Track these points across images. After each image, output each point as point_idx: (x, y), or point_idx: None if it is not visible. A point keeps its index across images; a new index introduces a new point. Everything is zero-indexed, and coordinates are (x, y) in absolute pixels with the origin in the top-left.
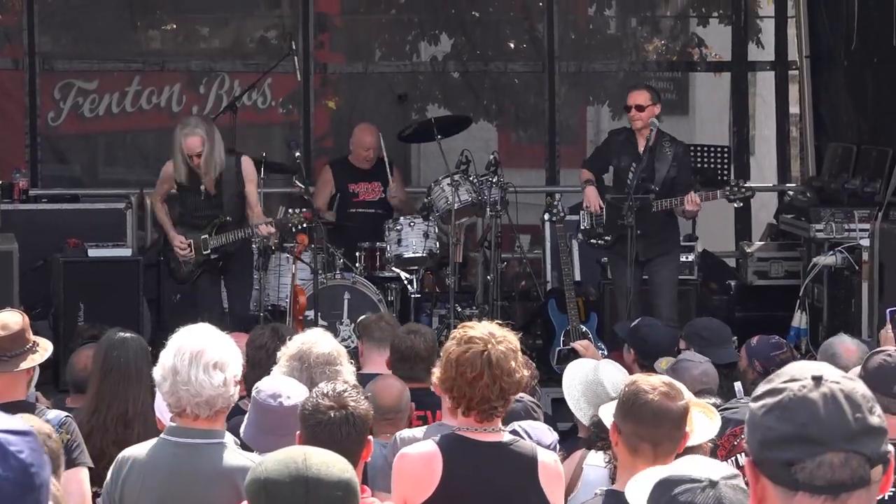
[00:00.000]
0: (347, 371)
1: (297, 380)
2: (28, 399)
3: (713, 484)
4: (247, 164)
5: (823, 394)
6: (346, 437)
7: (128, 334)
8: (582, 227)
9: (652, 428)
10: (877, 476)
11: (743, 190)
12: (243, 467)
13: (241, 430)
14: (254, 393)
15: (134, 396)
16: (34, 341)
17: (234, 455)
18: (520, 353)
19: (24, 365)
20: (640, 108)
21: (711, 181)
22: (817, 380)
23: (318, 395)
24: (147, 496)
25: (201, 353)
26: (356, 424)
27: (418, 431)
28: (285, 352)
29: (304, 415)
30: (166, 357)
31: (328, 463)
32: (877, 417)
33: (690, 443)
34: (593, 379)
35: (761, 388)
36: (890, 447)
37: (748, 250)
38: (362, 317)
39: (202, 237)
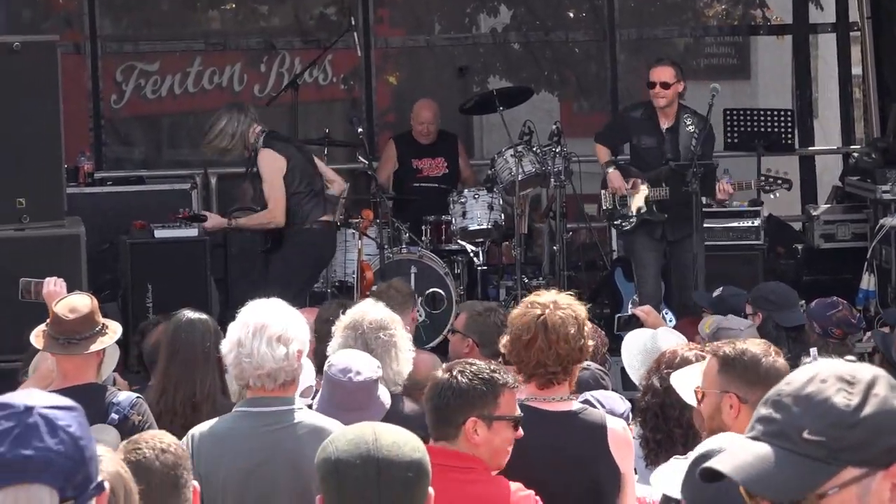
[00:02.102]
0: (402, 336)
1: (353, 348)
2: (103, 382)
3: None
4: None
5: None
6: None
7: (196, 315)
8: (604, 208)
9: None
10: None
11: (779, 181)
12: (323, 428)
13: (314, 404)
14: (325, 368)
15: (202, 378)
16: (103, 324)
17: (313, 416)
18: (586, 323)
19: (94, 347)
20: (666, 86)
21: (776, 145)
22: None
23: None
24: (230, 467)
25: (265, 327)
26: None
27: None
28: (339, 324)
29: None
30: (233, 330)
31: (399, 443)
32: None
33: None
34: (652, 347)
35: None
36: None
37: (814, 213)
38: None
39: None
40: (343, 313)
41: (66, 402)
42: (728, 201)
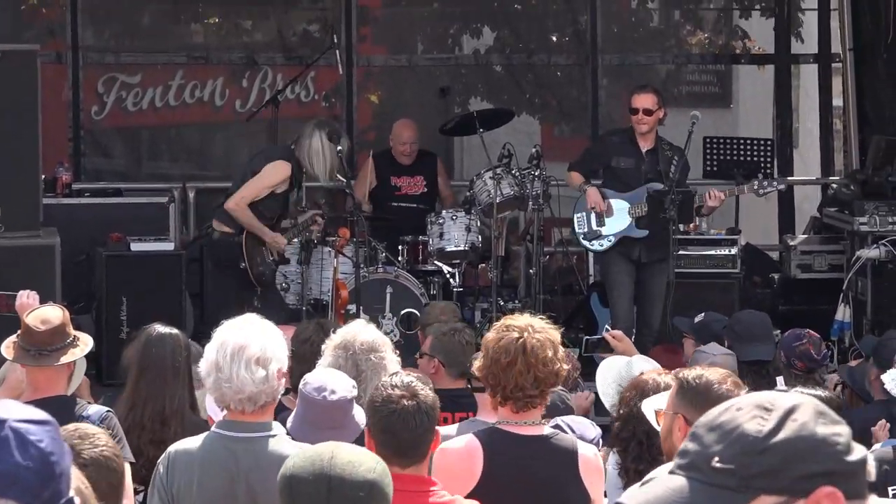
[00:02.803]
0: (391, 360)
1: (342, 368)
2: (71, 394)
3: None
4: None
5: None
6: (419, 425)
7: (167, 330)
8: (578, 231)
9: None
10: None
11: (774, 183)
12: None
13: (288, 423)
14: (300, 386)
15: (171, 394)
16: (75, 336)
17: (284, 445)
18: (560, 347)
19: (65, 359)
20: (648, 112)
21: (755, 174)
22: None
23: (388, 387)
24: (201, 490)
25: (243, 349)
26: (428, 413)
27: (451, 428)
28: (329, 343)
29: (374, 406)
30: (210, 351)
31: (355, 462)
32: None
33: None
34: (627, 375)
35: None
36: None
37: (791, 243)
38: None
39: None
40: (323, 333)
41: (41, 415)
42: (715, 210)
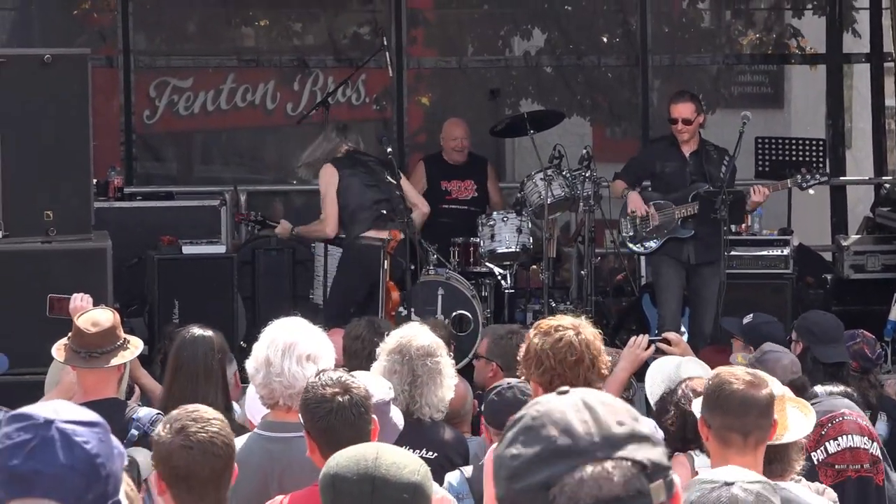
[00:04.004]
0: (447, 363)
1: (398, 373)
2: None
3: (728, 484)
4: None
5: (573, 402)
6: (358, 419)
7: (201, 332)
8: (625, 235)
9: (739, 417)
10: (659, 497)
11: (816, 176)
12: None
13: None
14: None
15: (203, 396)
16: (125, 338)
17: None
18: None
19: (115, 361)
20: (688, 122)
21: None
22: (563, 393)
23: (319, 386)
24: (236, 490)
25: (294, 345)
26: (362, 404)
27: None
28: (384, 347)
29: (309, 409)
30: (259, 349)
31: (399, 464)
32: (646, 427)
33: (786, 439)
34: (675, 378)
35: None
36: (669, 463)
37: (844, 244)
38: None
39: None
40: (374, 331)
41: (90, 416)
42: (760, 206)
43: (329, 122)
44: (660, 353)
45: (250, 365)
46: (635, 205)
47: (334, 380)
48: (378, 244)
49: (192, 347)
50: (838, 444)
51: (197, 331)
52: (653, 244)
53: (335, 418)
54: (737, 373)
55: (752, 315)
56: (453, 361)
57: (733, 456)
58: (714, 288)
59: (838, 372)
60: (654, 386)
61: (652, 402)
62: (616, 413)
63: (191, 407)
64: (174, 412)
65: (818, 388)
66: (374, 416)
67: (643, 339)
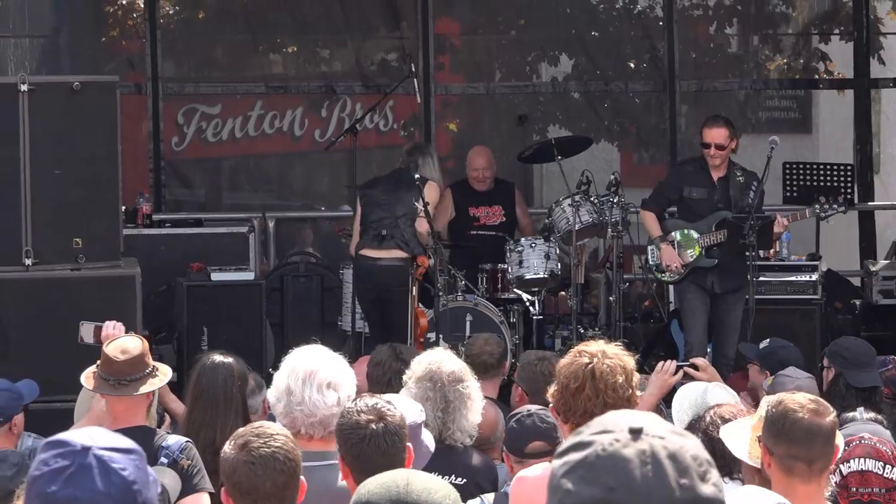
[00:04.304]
0: (474, 387)
1: (430, 400)
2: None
3: None
4: None
5: (641, 451)
6: (391, 447)
7: (221, 359)
8: (652, 263)
9: (805, 446)
10: None
11: (835, 206)
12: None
13: None
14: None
15: (223, 423)
16: (153, 366)
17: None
18: (634, 374)
19: (144, 389)
20: (721, 147)
21: (834, 200)
22: (635, 433)
23: (354, 412)
24: None
25: (314, 374)
26: (398, 433)
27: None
28: (411, 374)
29: (344, 435)
30: (280, 378)
31: (431, 489)
32: (711, 486)
33: None
34: (702, 403)
35: (567, 441)
36: None
37: (873, 269)
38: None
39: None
40: (397, 357)
41: (126, 444)
42: (780, 237)
43: (357, 148)
44: (687, 378)
45: (271, 394)
46: (669, 260)
47: (370, 406)
48: (370, 262)
49: (211, 374)
50: (849, 467)
51: (217, 357)
52: (678, 274)
53: (368, 445)
54: (801, 401)
55: (768, 340)
56: (479, 385)
57: (798, 484)
58: (738, 314)
59: (871, 397)
60: (681, 412)
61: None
62: (684, 471)
63: (256, 423)
64: (240, 430)
65: (849, 413)
66: (408, 443)
67: (671, 364)
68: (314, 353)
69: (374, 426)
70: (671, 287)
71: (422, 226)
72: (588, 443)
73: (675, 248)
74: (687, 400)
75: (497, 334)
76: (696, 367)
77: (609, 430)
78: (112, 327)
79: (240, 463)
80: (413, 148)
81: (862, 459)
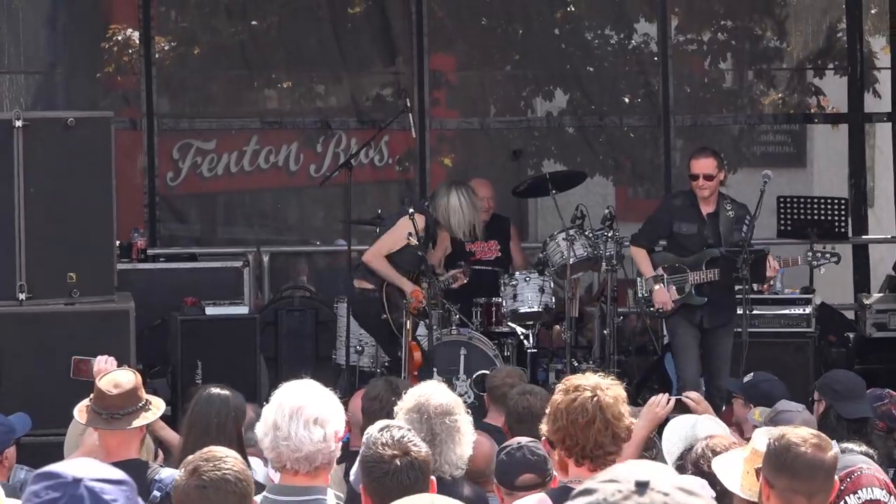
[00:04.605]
0: (465, 420)
1: (418, 432)
2: (141, 458)
3: None
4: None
5: None
6: (413, 482)
7: (217, 391)
8: (640, 296)
9: (807, 481)
10: None
11: (827, 255)
12: None
13: (352, 475)
14: (364, 437)
15: None
16: (147, 400)
17: None
18: (626, 402)
19: (137, 423)
20: (709, 178)
21: (829, 233)
22: (641, 486)
23: (378, 444)
24: None
25: (301, 409)
26: (420, 469)
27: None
28: (402, 405)
29: (366, 467)
30: (268, 412)
31: None
32: None
33: None
34: (692, 435)
35: (582, 485)
36: None
37: (867, 302)
38: (489, 372)
39: (409, 298)
40: (392, 391)
41: (118, 475)
42: (774, 279)
43: (352, 183)
44: (678, 410)
45: (259, 428)
46: (661, 301)
47: (395, 440)
48: (368, 294)
49: (206, 404)
50: (858, 498)
51: (213, 389)
52: (660, 310)
53: (390, 481)
54: (804, 435)
55: (752, 374)
56: (471, 419)
57: None
58: (728, 346)
59: (862, 428)
60: (671, 444)
61: (669, 461)
62: None
63: (205, 448)
64: (189, 457)
65: (843, 444)
66: (432, 477)
67: (662, 397)
68: (302, 388)
69: (398, 462)
70: (664, 320)
71: (433, 257)
72: (593, 490)
73: (665, 285)
74: (677, 432)
75: (491, 368)
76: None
77: (616, 480)
78: (104, 362)
79: (191, 488)
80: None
81: (870, 489)
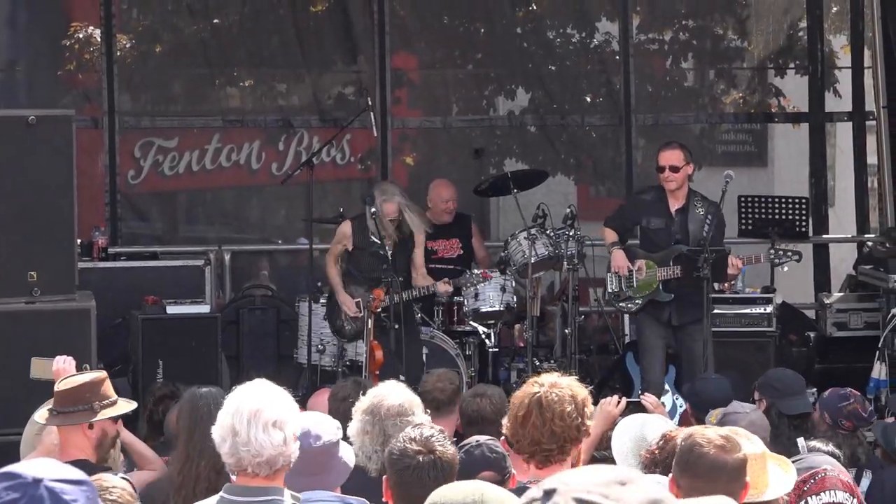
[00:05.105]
0: (421, 420)
1: (370, 434)
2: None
3: None
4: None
5: None
6: (433, 481)
7: (206, 389)
8: (609, 291)
9: (709, 482)
10: None
11: (788, 253)
12: None
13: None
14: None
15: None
16: (107, 399)
17: None
18: (587, 404)
19: (88, 420)
20: (675, 169)
21: (790, 232)
22: (548, 493)
23: (406, 440)
24: None
25: (259, 412)
26: (444, 469)
27: None
28: (358, 406)
29: (392, 459)
30: (224, 417)
31: (504, 500)
32: None
33: (767, 496)
34: (639, 435)
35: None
36: None
37: (827, 301)
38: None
39: (371, 297)
40: (361, 391)
41: (78, 475)
42: (736, 278)
43: (313, 181)
44: (631, 410)
45: (216, 433)
46: (617, 265)
47: (423, 437)
48: None
49: (205, 402)
50: (820, 499)
51: (203, 389)
52: (634, 304)
53: (412, 475)
54: (709, 435)
55: (694, 381)
56: (430, 419)
57: None
58: (697, 348)
59: (803, 424)
60: (621, 444)
61: (619, 461)
62: None
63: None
64: None
65: (801, 443)
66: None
67: (615, 398)
68: (258, 390)
69: (421, 458)
70: (626, 319)
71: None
72: (533, 500)
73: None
74: (626, 433)
75: (453, 367)
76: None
77: (533, 487)
78: (63, 362)
79: None
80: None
81: (833, 492)
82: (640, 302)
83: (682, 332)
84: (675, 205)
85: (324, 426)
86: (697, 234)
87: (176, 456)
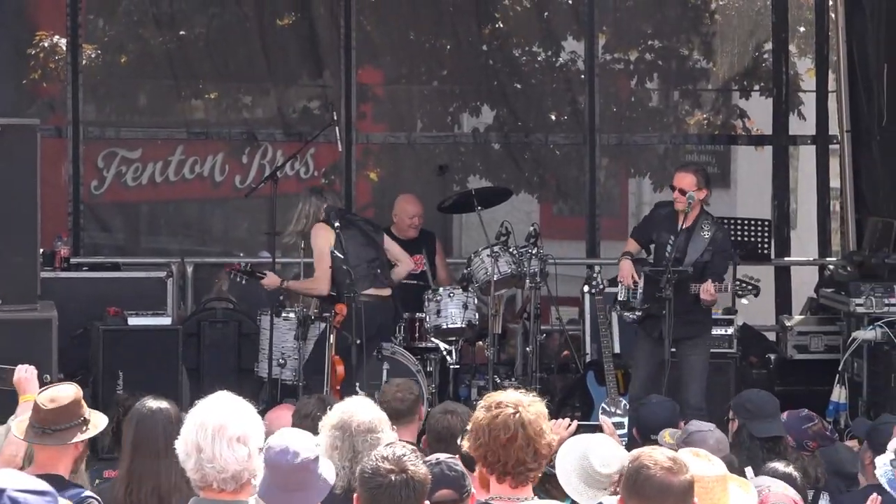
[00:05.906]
0: (388, 438)
1: (339, 449)
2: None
3: None
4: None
5: None
6: (405, 500)
7: (157, 404)
8: (619, 300)
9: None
10: None
11: (749, 287)
12: None
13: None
14: (264, 449)
15: (166, 470)
16: (84, 417)
17: None
18: (547, 419)
19: (70, 440)
20: (683, 193)
21: (752, 254)
22: None
23: (378, 458)
24: None
25: (223, 428)
26: (415, 488)
27: None
28: (326, 421)
29: (363, 477)
30: (188, 433)
31: None
32: None
33: None
34: (582, 454)
35: None
36: None
37: (788, 324)
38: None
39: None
40: (324, 408)
41: (41, 486)
42: (710, 303)
43: (277, 195)
44: (581, 431)
45: (180, 449)
46: (622, 275)
47: (396, 457)
48: (379, 301)
49: (150, 422)
50: None
51: (153, 403)
52: (635, 315)
53: (384, 494)
54: (657, 457)
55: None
56: (396, 436)
57: None
58: (696, 361)
59: (775, 447)
60: (565, 462)
61: (562, 481)
62: None
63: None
64: None
65: (770, 465)
66: (427, 502)
67: (566, 420)
68: (222, 405)
69: (393, 477)
70: (588, 339)
71: (408, 262)
72: None
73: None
74: (570, 454)
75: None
76: (601, 429)
77: None
78: (24, 371)
79: None
80: (320, 190)
81: None
82: (640, 313)
83: (679, 346)
84: (684, 224)
85: (303, 443)
86: (695, 254)
87: (119, 479)
